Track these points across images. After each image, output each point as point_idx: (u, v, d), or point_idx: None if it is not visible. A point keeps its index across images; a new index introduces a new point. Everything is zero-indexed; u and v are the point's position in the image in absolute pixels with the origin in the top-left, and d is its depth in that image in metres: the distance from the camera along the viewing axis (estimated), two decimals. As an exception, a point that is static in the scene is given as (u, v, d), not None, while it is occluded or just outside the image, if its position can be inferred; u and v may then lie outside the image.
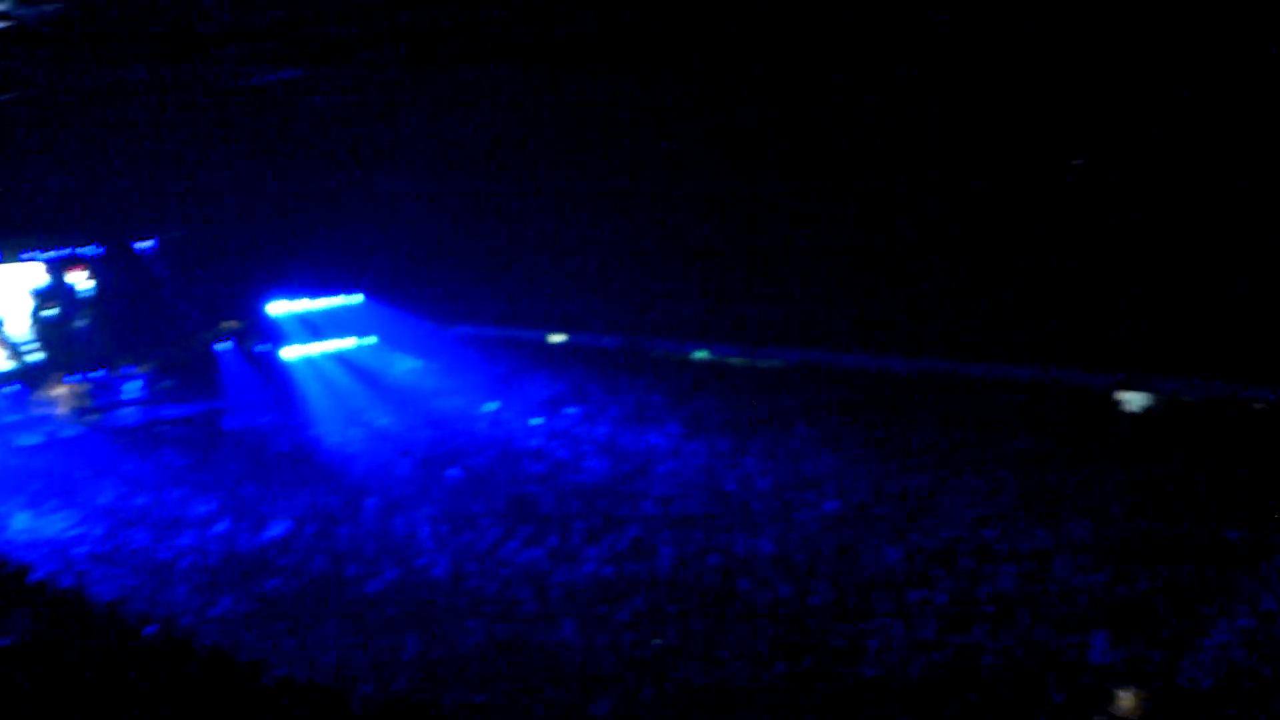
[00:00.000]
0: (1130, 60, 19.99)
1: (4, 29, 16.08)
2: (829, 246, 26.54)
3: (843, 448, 23.05)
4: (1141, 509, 18.35)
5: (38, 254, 27.62)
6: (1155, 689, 12.44)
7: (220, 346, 29.44)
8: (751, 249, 27.53)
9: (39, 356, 27.22)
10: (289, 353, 29.39)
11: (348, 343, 30.79)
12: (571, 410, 27.87)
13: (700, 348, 30.01)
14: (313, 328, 30.15)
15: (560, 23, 18.70)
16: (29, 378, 26.79)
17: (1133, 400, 23.38)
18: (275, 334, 29.82)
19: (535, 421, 27.47)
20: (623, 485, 22.42)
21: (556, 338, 33.05)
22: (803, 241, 26.91)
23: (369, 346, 31.41)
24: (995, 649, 14.47)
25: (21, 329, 27.19)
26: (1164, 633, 14.03)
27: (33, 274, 27.60)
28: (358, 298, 31.34)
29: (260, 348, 29.76)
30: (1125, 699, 12.46)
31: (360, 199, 29.82)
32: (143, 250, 29.46)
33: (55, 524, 21.83)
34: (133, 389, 28.02)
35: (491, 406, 28.91)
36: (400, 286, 31.25)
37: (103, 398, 27.54)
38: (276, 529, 20.91)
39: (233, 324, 29.80)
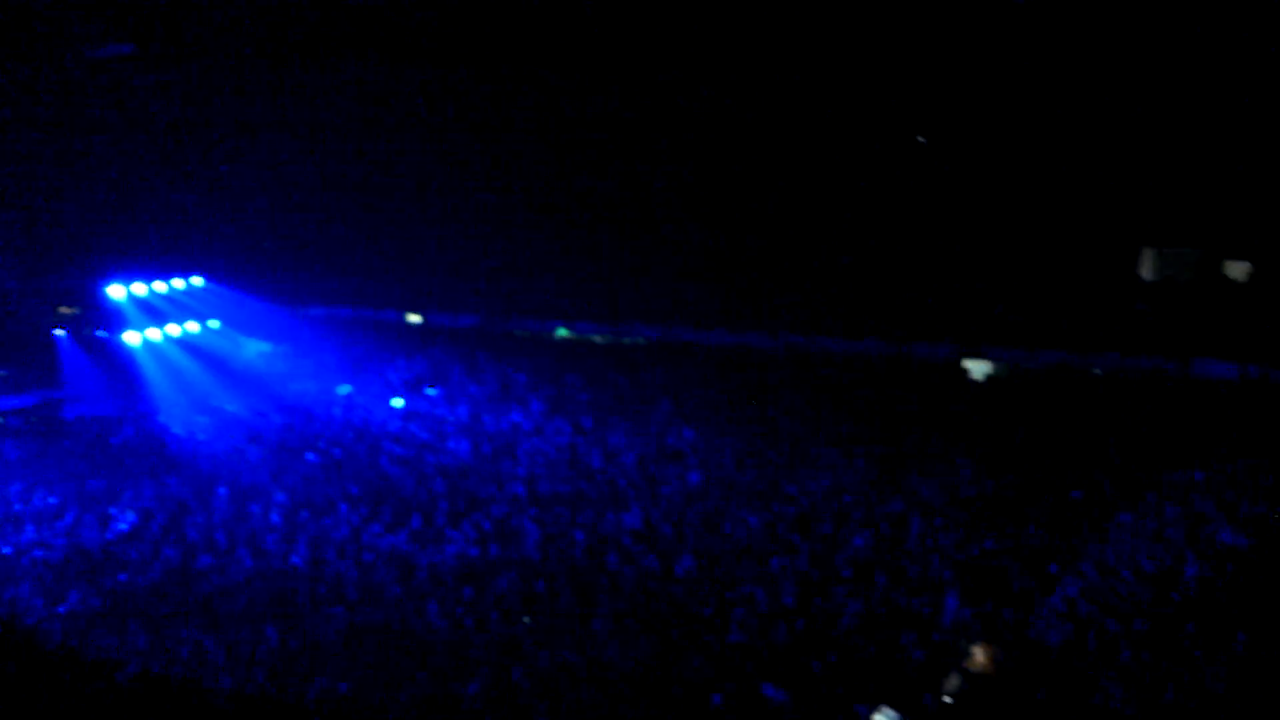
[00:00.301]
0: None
1: None
2: (689, 226, 26.79)
3: (705, 422, 23.32)
4: (990, 472, 19.13)
5: None
6: (1007, 644, 12.98)
7: (57, 333, 27.90)
8: (612, 228, 27.53)
9: None
10: (130, 338, 28.03)
11: (191, 326, 29.57)
12: (432, 391, 27.45)
13: (562, 326, 29.92)
14: (154, 312, 28.80)
15: (406, 16, 18.42)
16: None
17: (977, 370, 24.33)
18: (115, 319, 28.37)
19: (394, 403, 26.95)
20: (487, 465, 22.21)
21: (414, 318, 32.46)
22: (664, 221, 27.07)
23: (214, 330, 30.25)
24: (854, 611, 14.92)
25: None
26: (1014, 590, 14.66)
27: None
28: (200, 280, 30.13)
29: (100, 333, 28.29)
30: (979, 655, 12.96)
31: (203, 180, 28.63)
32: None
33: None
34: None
35: (347, 389, 28.24)
36: (246, 268, 30.15)
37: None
38: (124, 521, 20.01)
39: (70, 309, 28.25)
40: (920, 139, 25.89)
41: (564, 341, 29.88)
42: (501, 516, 19.42)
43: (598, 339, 29.49)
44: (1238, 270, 22.65)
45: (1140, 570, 13.74)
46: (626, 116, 26.28)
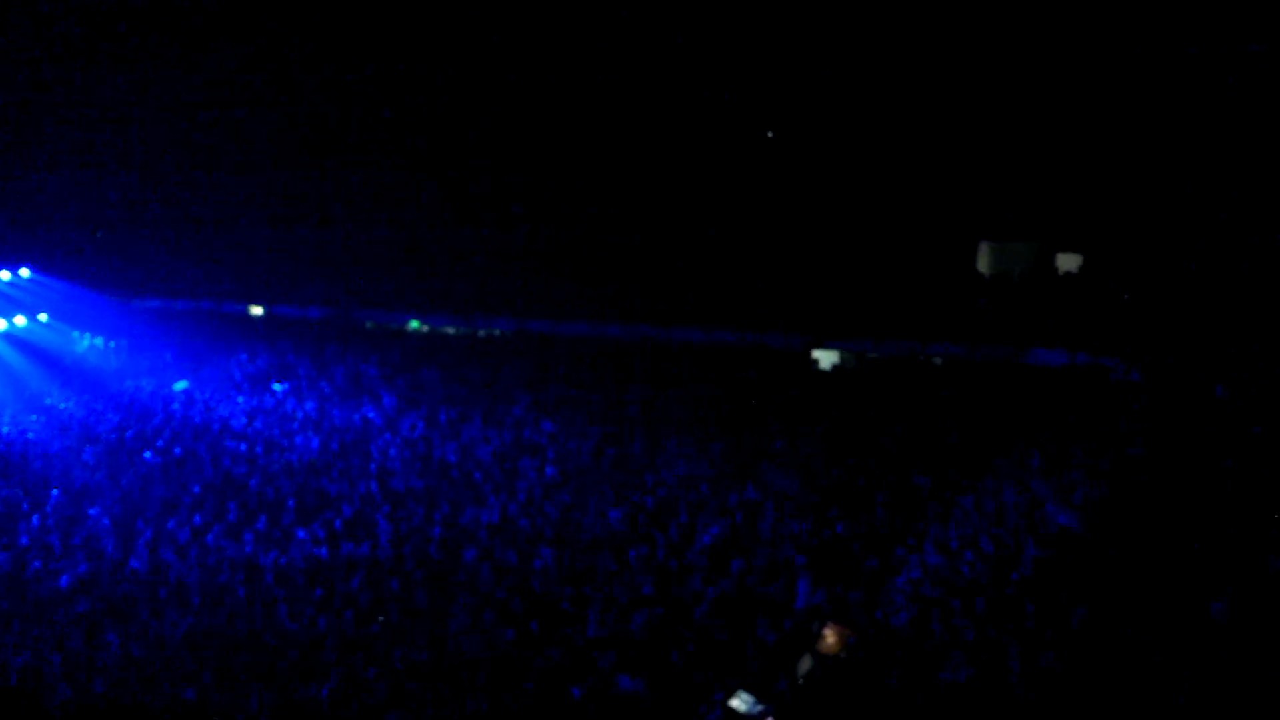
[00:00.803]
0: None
1: None
2: (542, 217, 26.71)
3: (563, 414, 23.25)
4: (838, 459, 19.61)
5: None
6: (857, 626, 13.33)
7: None
8: (464, 219, 27.21)
9: None
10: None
11: (18, 320, 27.95)
12: (278, 386, 26.59)
13: (415, 318, 29.39)
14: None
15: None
16: None
17: (826, 360, 24.94)
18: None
19: (237, 399, 26.01)
20: (337, 462, 21.63)
21: (257, 310, 31.42)
22: (518, 213, 26.92)
23: (43, 324, 28.67)
24: (710, 598, 15.11)
25: None
26: (863, 573, 15.07)
27: None
28: (26, 271, 28.51)
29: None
30: (830, 637, 13.28)
31: (23, 166, 27.04)
32: None
33: None
34: None
35: (184, 385, 27.12)
36: (77, 258, 28.67)
37: None
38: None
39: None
40: (769, 134, 26.44)
41: (417, 334, 29.39)
42: (352, 514, 18.96)
43: (451, 331, 29.10)
44: (1069, 262, 23.85)
45: (981, 551, 14.29)
46: (476, 107, 26.05)
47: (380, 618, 15.29)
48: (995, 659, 11.37)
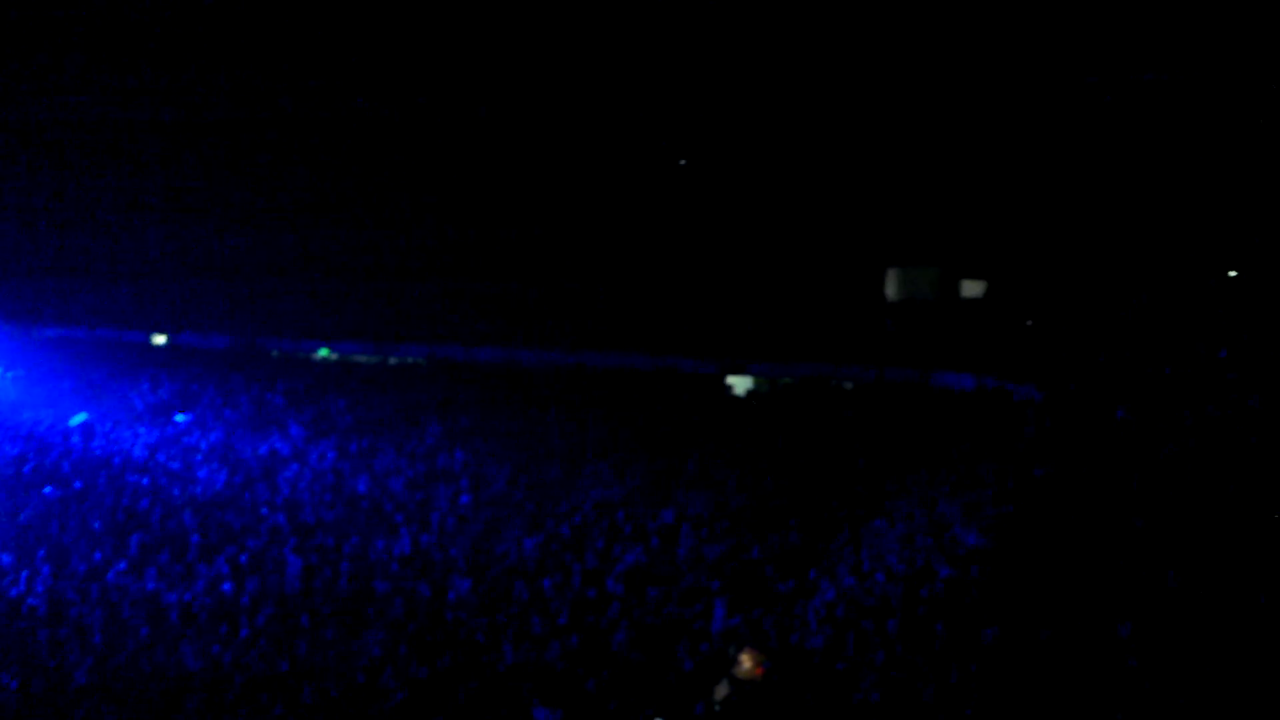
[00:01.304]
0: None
1: None
2: (453, 246, 26.59)
3: (476, 442, 23.04)
4: (753, 482, 19.75)
5: None
6: (772, 650, 13.41)
7: None
8: (375, 248, 26.93)
9: None
10: None
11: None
12: (180, 417, 25.90)
13: (323, 346, 28.90)
14: None
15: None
16: None
17: (740, 384, 25.17)
18: None
19: (138, 430, 25.26)
20: (242, 494, 21.10)
21: (159, 339, 30.62)
22: (429, 241, 26.74)
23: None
24: (627, 625, 15.06)
25: None
26: (777, 597, 15.17)
27: None
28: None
29: None
30: (745, 661, 13.34)
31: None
32: None
33: None
34: None
35: (83, 417, 26.24)
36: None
37: None
38: None
39: None
40: (681, 161, 26.74)
41: (325, 362, 28.90)
42: (259, 548, 18.48)
43: (362, 359, 28.67)
44: (973, 288, 24.46)
45: (892, 572, 14.50)
46: (380, 128, 25.95)
47: (287, 655, 14.92)
48: (907, 679, 11.52)
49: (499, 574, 17.16)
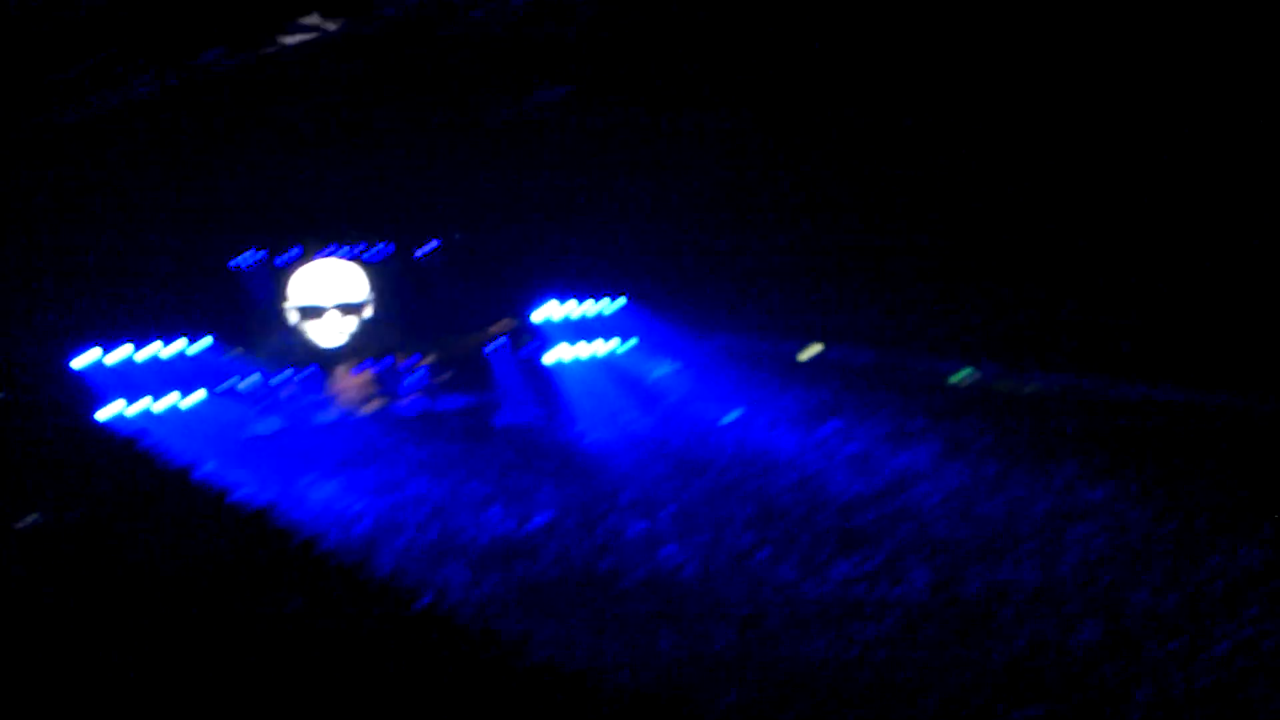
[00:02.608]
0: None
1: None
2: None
3: (1113, 481, 21.70)
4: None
5: (334, 250, 29.91)
6: None
7: (491, 346, 30.88)
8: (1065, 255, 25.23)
9: (334, 344, 29.55)
10: (554, 354, 30.54)
11: (610, 345, 31.65)
12: (825, 425, 27.54)
13: (960, 366, 28.84)
14: (577, 330, 31.17)
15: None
16: (324, 363, 29.14)
17: None
18: (542, 336, 31.05)
19: (786, 433, 27.33)
20: (877, 503, 21.98)
21: (810, 350, 32.49)
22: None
23: (629, 349, 32.10)
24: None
25: (319, 319, 29.52)
26: None
27: (330, 269, 29.88)
28: (620, 301, 32.05)
29: (527, 348, 31.03)
30: None
31: (629, 204, 30.09)
32: (425, 251, 31.24)
33: (342, 499, 23.63)
34: (414, 380, 29.90)
35: (735, 415, 28.79)
36: (661, 290, 31.51)
37: (387, 385, 29.57)
38: (540, 519, 21.83)
39: (503, 324, 31.17)
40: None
41: (963, 383, 28.82)
42: (889, 555, 19.06)
43: (1000, 385, 28.17)
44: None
45: None
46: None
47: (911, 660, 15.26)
48: None
49: (1132, 623, 16.04)
